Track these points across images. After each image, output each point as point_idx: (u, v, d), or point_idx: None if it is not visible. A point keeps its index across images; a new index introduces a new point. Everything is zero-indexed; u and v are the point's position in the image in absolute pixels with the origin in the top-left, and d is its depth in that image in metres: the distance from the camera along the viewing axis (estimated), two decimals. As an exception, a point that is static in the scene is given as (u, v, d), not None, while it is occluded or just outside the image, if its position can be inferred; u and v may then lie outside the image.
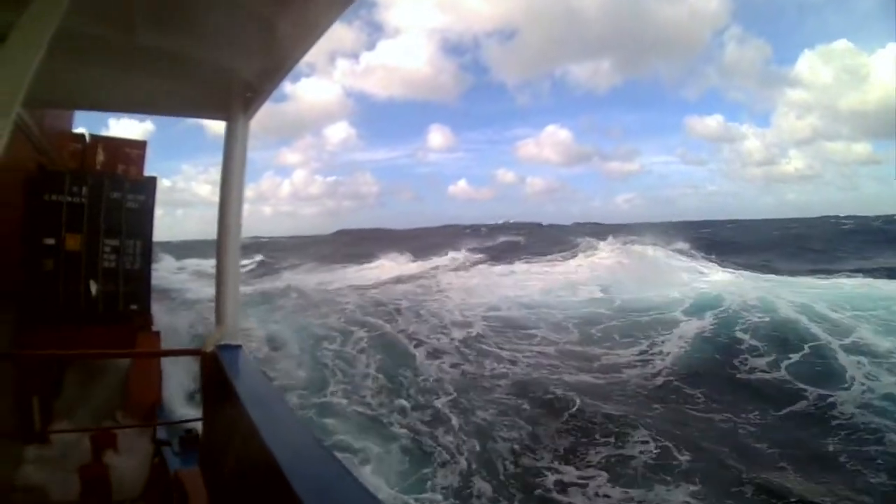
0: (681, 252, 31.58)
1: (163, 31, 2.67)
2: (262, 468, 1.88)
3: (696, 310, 17.21)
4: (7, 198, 6.10)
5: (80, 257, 7.12)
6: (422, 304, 20.64)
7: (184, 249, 44.12)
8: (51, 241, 6.98)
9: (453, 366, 13.15)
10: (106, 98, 3.72)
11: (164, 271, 34.14)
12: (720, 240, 45.38)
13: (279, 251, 53.60)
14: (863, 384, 11.29)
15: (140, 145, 9.23)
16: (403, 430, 9.88)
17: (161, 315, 9.56)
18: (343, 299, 21.26)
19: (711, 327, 15.40)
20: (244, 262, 42.13)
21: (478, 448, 9.28)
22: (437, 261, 38.21)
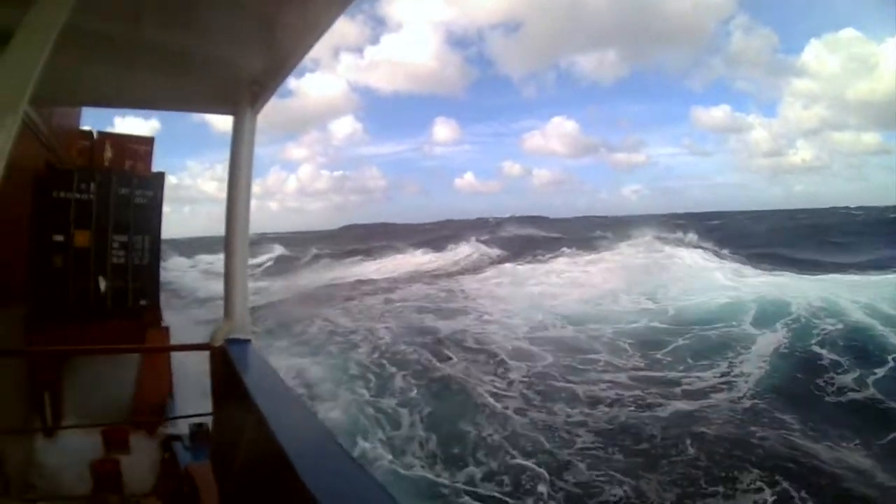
0: (703, 248, 30.29)
1: (169, 26, 2.66)
2: (273, 462, 1.87)
3: (765, 320, 15.40)
4: (16, 195, 6.12)
5: (89, 254, 7.15)
6: (454, 316, 18.08)
7: (193, 246, 44.18)
8: (60, 238, 7.01)
9: (519, 411, 10.46)
10: (113, 94, 3.72)
11: (176, 270, 34.05)
12: (738, 233, 43.69)
13: (294, 245, 53.19)
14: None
15: (147, 141, 9.25)
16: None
17: (174, 317, 9.47)
18: (375, 324, 17.20)
19: (786, 341, 13.74)
20: (261, 259, 42.41)
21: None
22: (450, 256, 37.45)
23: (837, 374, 11.74)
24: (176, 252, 40.42)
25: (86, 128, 9.33)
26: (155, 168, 8.94)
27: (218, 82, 3.38)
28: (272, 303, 21.99)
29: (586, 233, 46.44)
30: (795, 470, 8.12)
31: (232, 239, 3.44)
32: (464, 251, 39.14)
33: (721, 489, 7.90)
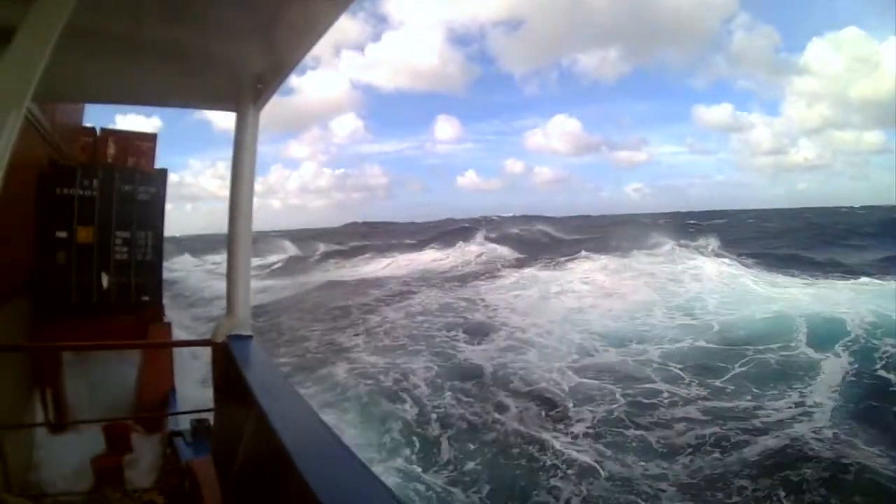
0: (725, 253, 28.85)
1: (171, 22, 2.67)
2: (273, 458, 1.88)
3: (821, 340, 14.00)
4: (19, 192, 6.14)
5: (92, 250, 7.17)
6: (486, 336, 16.10)
7: (198, 245, 43.99)
8: (63, 235, 7.03)
9: (591, 471, 8.64)
10: (116, 91, 3.73)
11: (182, 270, 34.04)
12: (751, 234, 42.99)
13: (299, 242, 53.04)
14: None
15: (150, 138, 9.26)
16: None
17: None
18: (406, 361, 13.98)
19: (851, 366, 12.47)
20: (270, 259, 42.35)
21: None
22: (459, 255, 36.60)
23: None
24: (183, 251, 40.66)
25: (88, 125, 9.38)
26: (157, 165, 8.97)
27: (221, 79, 3.39)
28: (285, 323, 19.31)
29: (599, 233, 45.37)
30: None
31: (235, 236, 3.45)
32: (473, 250, 38.05)
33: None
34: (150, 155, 9.11)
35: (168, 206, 7.92)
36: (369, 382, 12.26)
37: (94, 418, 5.31)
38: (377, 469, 7.34)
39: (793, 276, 22.70)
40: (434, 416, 10.66)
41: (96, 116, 9.65)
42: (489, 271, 29.61)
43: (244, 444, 2.55)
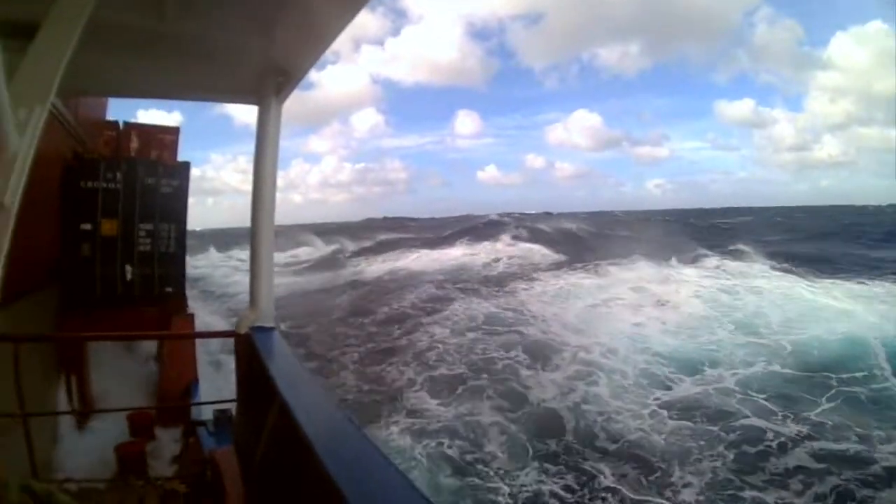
0: (758, 256, 27.14)
1: (193, 16, 2.67)
2: (296, 448, 1.87)
3: None
4: (45, 185, 6.23)
5: (116, 242, 7.25)
6: (549, 360, 13.92)
7: (220, 238, 43.79)
8: (87, 227, 7.11)
9: None
10: (139, 85, 3.75)
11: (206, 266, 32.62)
12: (784, 236, 40.09)
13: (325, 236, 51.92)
14: None
15: (173, 131, 9.37)
16: None
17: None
18: (473, 413, 11.32)
19: None
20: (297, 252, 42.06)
21: None
22: (489, 252, 34.46)
23: None
24: (207, 245, 39.79)
25: (112, 119, 9.50)
26: (179, 158, 9.06)
27: (243, 72, 3.39)
28: (314, 338, 16.92)
29: (629, 230, 42.95)
30: None
31: (258, 229, 3.46)
32: (505, 250, 35.60)
33: None
34: (173, 148, 9.21)
35: (190, 200, 7.98)
36: (433, 447, 9.89)
37: (118, 407, 5.39)
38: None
39: (844, 280, 21.41)
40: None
41: (118, 111, 9.77)
42: (526, 273, 27.62)
43: (266, 434, 2.55)
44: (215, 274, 29.66)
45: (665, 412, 11.18)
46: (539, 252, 33.93)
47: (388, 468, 1.62)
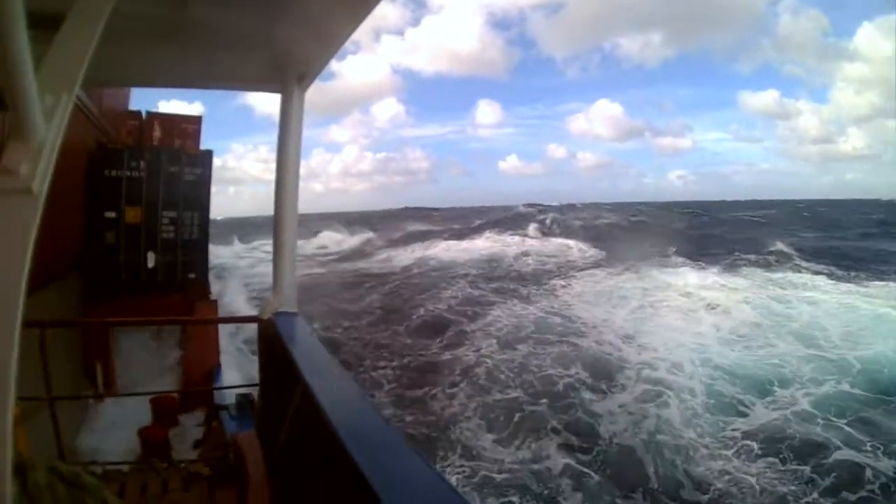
0: (801, 256, 25.18)
1: (215, 4, 2.67)
2: (319, 432, 1.87)
3: None
4: (70, 175, 6.33)
5: (140, 229, 7.34)
6: (611, 382, 12.15)
7: (244, 228, 42.80)
8: (112, 215, 7.21)
9: None
10: (162, 74, 3.76)
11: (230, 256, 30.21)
12: (817, 232, 36.89)
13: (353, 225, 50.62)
14: None
15: (195, 120, 9.43)
16: None
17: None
18: (536, 456, 9.51)
19: None
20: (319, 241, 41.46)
21: None
22: (517, 247, 32.17)
23: None
24: (230, 236, 37.39)
25: (134, 109, 9.60)
26: (202, 147, 9.13)
27: (265, 59, 3.39)
28: (341, 343, 14.83)
29: (657, 222, 41.29)
30: None
31: (281, 216, 3.47)
32: (535, 244, 33.42)
33: None
34: (195, 137, 9.27)
35: (212, 190, 8.02)
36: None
37: (141, 391, 5.48)
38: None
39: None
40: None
41: (139, 102, 9.85)
42: (563, 271, 25.50)
43: (289, 418, 2.57)
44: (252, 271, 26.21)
45: (749, 443, 9.79)
46: (575, 248, 32.00)
47: (411, 453, 1.63)
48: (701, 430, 10.14)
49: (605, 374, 12.43)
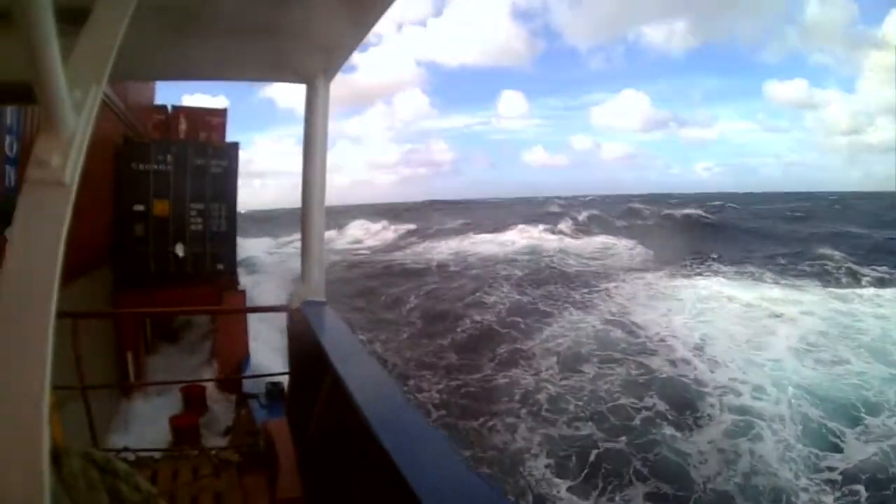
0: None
1: None
2: (349, 421, 1.86)
3: None
4: (98, 169, 6.42)
5: (168, 222, 7.42)
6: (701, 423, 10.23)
7: (269, 221, 42.37)
8: (140, 208, 7.29)
9: None
10: (187, 67, 3.76)
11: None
12: (861, 229, 32.44)
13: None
14: None
15: (220, 113, 9.50)
16: None
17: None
18: None
19: None
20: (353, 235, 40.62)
21: None
22: (556, 245, 29.54)
23: None
24: (260, 232, 33.98)
25: (160, 103, 9.71)
26: (227, 140, 9.20)
27: (290, 50, 3.37)
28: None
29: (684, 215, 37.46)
30: None
31: (308, 207, 3.48)
32: (574, 243, 30.81)
33: None
34: (221, 129, 9.34)
35: (238, 182, 8.10)
36: None
37: (172, 380, 5.57)
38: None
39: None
40: None
41: (164, 96, 9.95)
42: (609, 273, 23.24)
43: (319, 406, 2.58)
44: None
45: (855, 487, 8.47)
46: (620, 245, 29.76)
47: (444, 444, 1.61)
48: (796, 467, 8.91)
49: (684, 402, 10.97)
